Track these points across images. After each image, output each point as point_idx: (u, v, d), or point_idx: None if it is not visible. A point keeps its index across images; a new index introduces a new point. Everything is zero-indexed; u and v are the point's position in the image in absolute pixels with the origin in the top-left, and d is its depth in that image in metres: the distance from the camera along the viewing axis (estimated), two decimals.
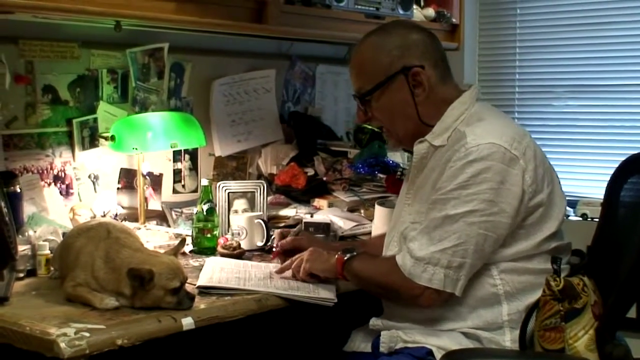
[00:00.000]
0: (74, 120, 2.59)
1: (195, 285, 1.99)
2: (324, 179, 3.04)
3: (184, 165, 2.94)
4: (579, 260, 2.01)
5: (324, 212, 2.83)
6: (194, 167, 2.98)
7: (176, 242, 2.21)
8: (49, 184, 2.54)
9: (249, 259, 2.39)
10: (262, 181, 2.76)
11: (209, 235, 2.47)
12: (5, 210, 1.90)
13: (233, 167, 3.12)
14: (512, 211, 1.82)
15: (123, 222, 2.49)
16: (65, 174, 2.58)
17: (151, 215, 2.74)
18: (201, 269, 2.15)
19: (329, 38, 3.04)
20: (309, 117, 3.40)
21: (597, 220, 2.04)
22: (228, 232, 2.57)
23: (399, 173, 2.98)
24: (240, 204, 2.65)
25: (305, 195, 3.01)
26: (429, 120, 1.96)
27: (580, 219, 3.43)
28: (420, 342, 1.89)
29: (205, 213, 2.48)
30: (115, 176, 2.73)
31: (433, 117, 1.96)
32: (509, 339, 1.86)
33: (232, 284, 2.01)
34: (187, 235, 2.45)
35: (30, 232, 2.24)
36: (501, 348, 1.86)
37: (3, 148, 2.42)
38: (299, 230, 2.36)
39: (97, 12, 2.22)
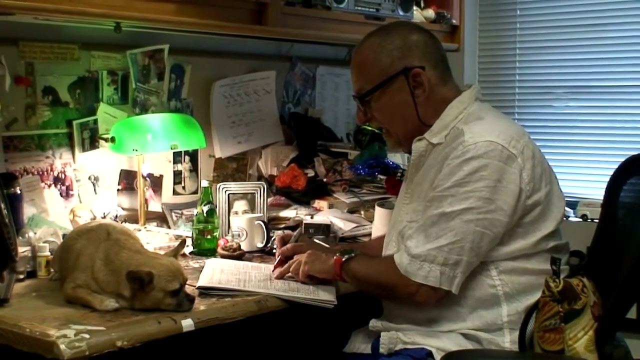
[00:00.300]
0: (74, 122, 2.59)
1: (195, 286, 1.99)
2: (324, 180, 3.03)
3: (184, 166, 2.94)
4: (579, 261, 2.01)
5: (324, 214, 2.83)
6: (194, 169, 2.98)
7: (176, 243, 2.21)
8: (49, 186, 2.54)
9: (249, 260, 2.39)
10: (263, 182, 2.76)
11: (209, 237, 2.48)
12: (5, 211, 1.90)
13: (233, 168, 3.12)
14: (509, 209, 1.82)
15: (123, 223, 2.49)
16: (65, 175, 2.58)
17: (151, 217, 2.74)
18: (201, 271, 2.15)
19: (329, 39, 3.04)
20: (309, 118, 3.40)
21: (597, 221, 2.03)
22: (228, 233, 2.57)
23: (399, 174, 2.97)
24: (240, 205, 2.65)
25: (305, 197, 3.01)
26: (429, 120, 1.97)
27: (580, 220, 3.43)
28: (419, 343, 1.89)
29: (205, 214, 2.49)
30: (115, 178, 2.73)
31: (433, 117, 1.96)
32: (508, 340, 1.86)
33: (232, 285, 2.01)
34: (187, 237, 2.45)
35: (31, 234, 2.24)
36: (501, 349, 1.86)
37: (3, 149, 2.42)
38: (299, 234, 2.36)
39: (97, 13, 2.23)
